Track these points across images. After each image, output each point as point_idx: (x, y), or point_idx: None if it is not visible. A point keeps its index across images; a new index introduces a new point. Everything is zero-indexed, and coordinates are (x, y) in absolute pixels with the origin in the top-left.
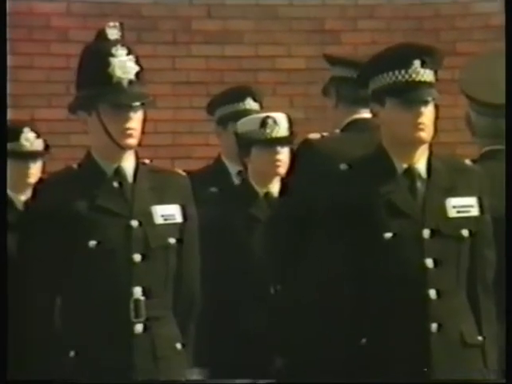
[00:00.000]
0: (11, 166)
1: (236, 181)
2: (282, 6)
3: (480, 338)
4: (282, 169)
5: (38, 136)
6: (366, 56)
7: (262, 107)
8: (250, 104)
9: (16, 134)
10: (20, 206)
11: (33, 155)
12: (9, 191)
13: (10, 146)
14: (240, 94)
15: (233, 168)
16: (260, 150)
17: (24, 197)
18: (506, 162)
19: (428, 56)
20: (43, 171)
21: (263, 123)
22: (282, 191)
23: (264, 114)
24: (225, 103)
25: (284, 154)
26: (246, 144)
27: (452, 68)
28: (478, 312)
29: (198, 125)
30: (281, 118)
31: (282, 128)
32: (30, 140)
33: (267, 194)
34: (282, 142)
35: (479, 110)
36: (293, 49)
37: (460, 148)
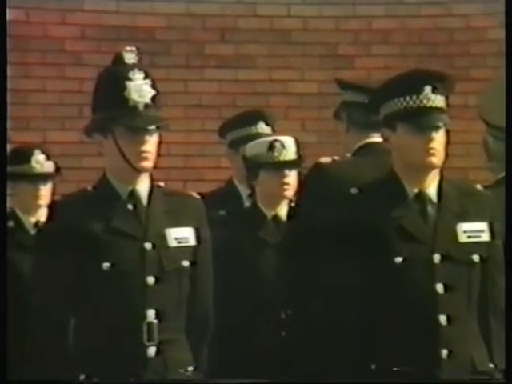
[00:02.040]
0: (22, 188)
1: (247, 203)
2: (295, 31)
3: (491, 365)
4: (290, 192)
5: (49, 158)
6: (379, 81)
7: (274, 131)
8: (263, 128)
9: (27, 157)
10: (30, 228)
11: (43, 177)
12: (19, 212)
13: (20, 168)
14: (252, 117)
15: (244, 191)
16: (268, 173)
17: (34, 218)
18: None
19: (439, 82)
20: (54, 193)
21: (271, 146)
22: (290, 214)
23: (272, 138)
24: (237, 127)
25: (292, 178)
26: (254, 167)
27: (465, 93)
28: (489, 339)
29: (209, 148)
30: (289, 142)
31: (289, 151)
32: (40, 162)
33: (275, 217)
34: (289, 165)
35: (497, 135)
36: (306, 73)
37: (472, 173)
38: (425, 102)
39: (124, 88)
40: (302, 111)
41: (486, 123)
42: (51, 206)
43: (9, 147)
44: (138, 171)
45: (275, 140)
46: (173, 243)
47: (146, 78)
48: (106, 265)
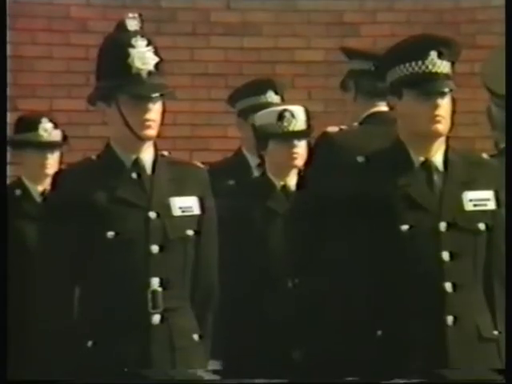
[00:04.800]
0: (29, 156)
1: (256, 173)
2: None
3: (496, 332)
4: (299, 161)
5: (56, 126)
6: (385, 48)
7: (283, 100)
8: (272, 97)
9: (34, 125)
10: (37, 197)
11: (51, 146)
12: (26, 181)
13: (28, 136)
14: (262, 86)
15: (253, 160)
16: (277, 143)
17: (41, 187)
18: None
19: (445, 47)
20: (61, 162)
21: (280, 116)
22: (300, 184)
23: (281, 107)
24: (246, 96)
25: (301, 147)
26: (263, 137)
27: (472, 61)
28: (493, 306)
29: (216, 117)
30: (298, 111)
31: (299, 121)
32: (48, 130)
33: (284, 187)
34: (299, 135)
35: (500, 103)
36: (312, 41)
37: (479, 142)
38: (430, 67)
39: (127, 55)
40: (308, 80)
41: (490, 91)
42: (55, 176)
43: (16, 115)
44: (142, 139)
45: (285, 110)
46: (177, 212)
47: (148, 44)
48: (110, 233)
